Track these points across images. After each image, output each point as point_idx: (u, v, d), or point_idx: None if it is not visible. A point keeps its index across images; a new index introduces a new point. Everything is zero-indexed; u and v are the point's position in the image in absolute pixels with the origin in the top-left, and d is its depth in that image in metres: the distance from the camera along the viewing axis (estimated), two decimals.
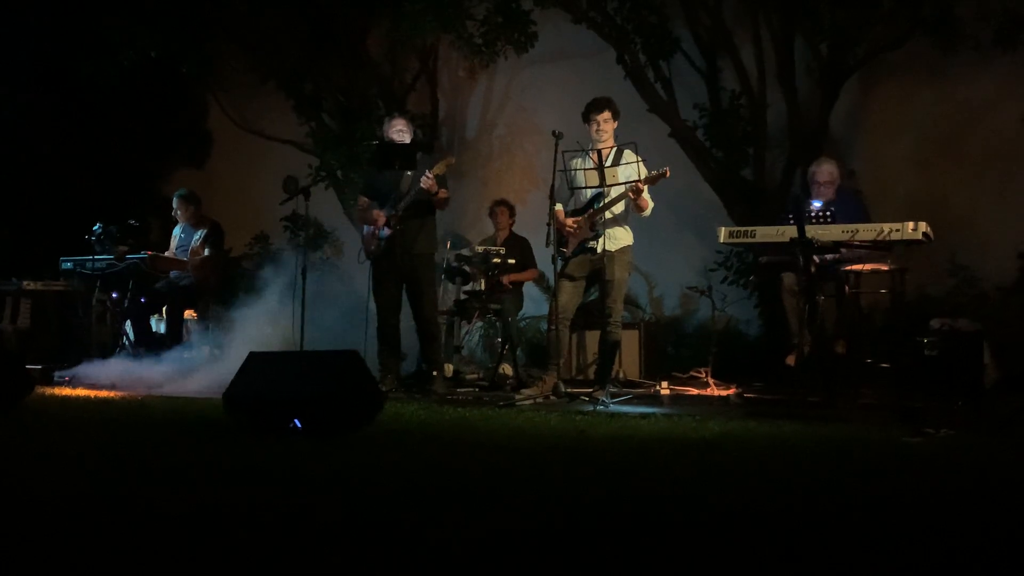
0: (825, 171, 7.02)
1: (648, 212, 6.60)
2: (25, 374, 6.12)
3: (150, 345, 8.08)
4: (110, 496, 3.15)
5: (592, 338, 7.86)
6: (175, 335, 8.22)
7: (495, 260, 8.25)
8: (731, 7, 8.80)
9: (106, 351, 8.08)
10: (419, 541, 2.53)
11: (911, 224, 6.05)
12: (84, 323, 8.27)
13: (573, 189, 6.71)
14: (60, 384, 7.49)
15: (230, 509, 2.94)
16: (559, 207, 6.76)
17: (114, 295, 8.26)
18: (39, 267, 8.90)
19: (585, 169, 6.64)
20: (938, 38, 7.86)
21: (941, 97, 8.47)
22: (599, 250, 6.52)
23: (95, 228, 8.28)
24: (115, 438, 4.64)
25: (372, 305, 7.45)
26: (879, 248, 6.28)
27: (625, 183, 6.54)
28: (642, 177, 6.45)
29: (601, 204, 6.61)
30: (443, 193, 7.06)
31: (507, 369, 8.03)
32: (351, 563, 2.34)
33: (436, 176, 6.89)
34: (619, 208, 6.67)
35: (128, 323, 8.29)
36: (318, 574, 2.25)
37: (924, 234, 6.08)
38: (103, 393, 6.78)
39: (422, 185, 6.85)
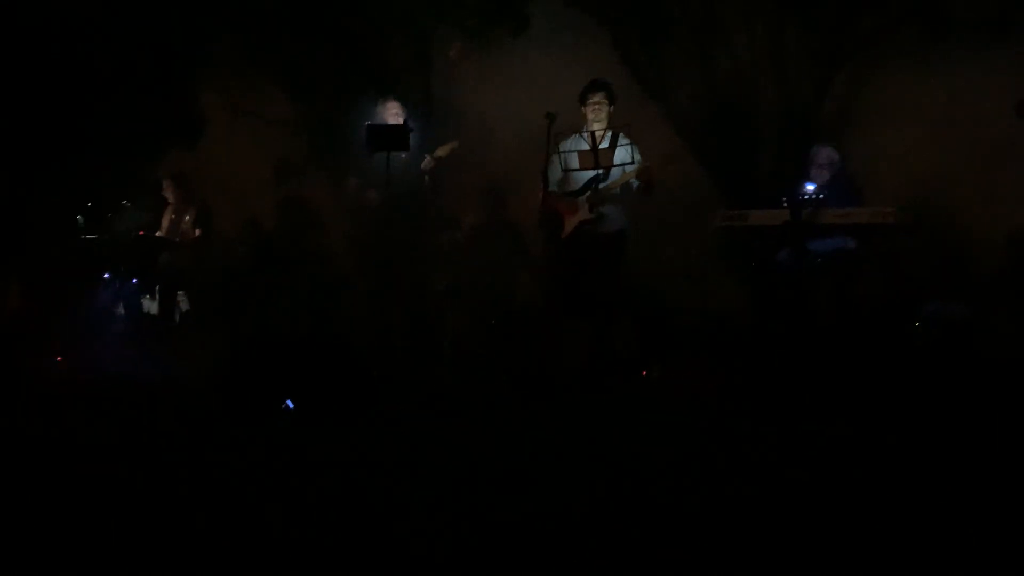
0: (824, 154, 7.06)
1: (651, 194, 6.64)
2: (16, 357, 6.11)
3: (142, 326, 8.06)
4: (104, 482, 3.15)
5: (587, 321, 7.83)
6: (167, 316, 8.20)
7: None
8: None
9: (97, 332, 8.04)
10: (412, 532, 2.52)
11: (903, 209, 6.09)
12: (77, 305, 8.22)
13: (566, 171, 6.71)
14: (53, 366, 7.46)
15: (227, 495, 2.94)
16: (552, 190, 6.76)
17: (106, 276, 8.22)
18: (31, 248, 8.83)
19: (579, 151, 6.63)
20: (930, 26, 7.87)
21: (933, 84, 8.47)
22: (596, 233, 6.53)
23: (87, 209, 8.25)
24: (108, 421, 4.63)
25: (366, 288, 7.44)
26: (872, 232, 6.32)
27: (622, 164, 6.56)
28: (639, 160, 6.48)
29: (603, 186, 6.61)
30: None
31: (500, 354, 8.03)
32: (343, 554, 2.33)
33: (436, 157, 6.92)
34: (616, 190, 6.68)
35: (120, 304, 8.27)
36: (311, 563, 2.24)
37: (916, 219, 6.12)
38: (93, 375, 6.77)
39: (422, 166, 6.87)
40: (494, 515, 2.57)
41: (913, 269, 7.56)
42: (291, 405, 4.69)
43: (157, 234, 8.55)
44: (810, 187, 6.44)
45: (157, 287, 8.38)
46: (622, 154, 6.60)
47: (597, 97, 6.69)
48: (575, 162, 6.64)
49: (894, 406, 5.00)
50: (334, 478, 3.22)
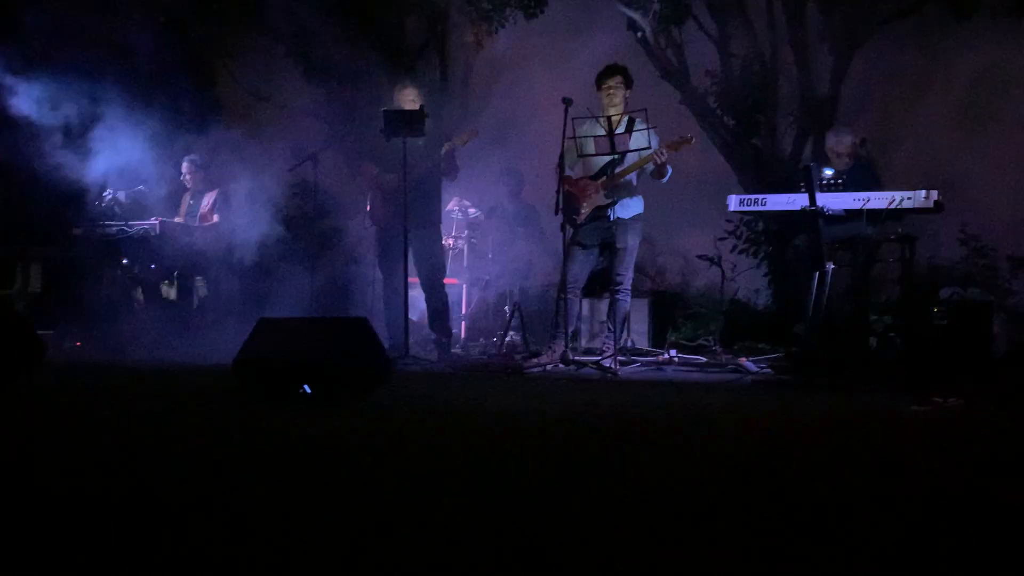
0: (845, 142, 6.99)
1: (666, 179, 6.59)
2: (36, 340, 6.14)
3: (161, 311, 8.11)
4: (118, 467, 3.17)
5: (603, 305, 7.86)
6: (185, 301, 8.25)
7: None
8: None
9: (117, 317, 8.10)
10: (420, 522, 2.53)
11: (924, 192, 6.03)
12: (95, 289, 8.29)
13: (582, 156, 6.69)
14: (71, 350, 7.54)
15: (239, 481, 2.96)
16: (568, 175, 6.75)
17: (124, 261, 8.27)
18: (50, 233, 8.90)
19: (595, 136, 6.61)
20: (952, 5, 7.80)
21: (955, 65, 8.41)
22: (612, 218, 6.53)
23: (105, 194, 8.30)
24: (123, 405, 4.67)
25: (379, 272, 7.45)
26: (891, 217, 6.27)
27: (638, 150, 6.53)
28: (655, 144, 6.43)
29: (617, 170, 6.60)
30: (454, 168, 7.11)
31: (514, 337, 8.06)
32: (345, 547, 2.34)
33: (454, 146, 6.91)
34: (632, 176, 6.66)
35: (139, 289, 8.33)
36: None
37: (936, 203, 6.06)
38: (113, 359, 6.82)
39: (441, 153, 6.86)
40: (500, 509, 2.58)
41: (930, 253, 7.53)
42: (308, 390, 4.70)
43: (176, 219, 8.58)
44: (828, 172, 6.41)
45: (175, 272, 8.43)
46: (638, 139, 6.57)
47: (613, 81, 6.66)
48: (591, 147, 6.62)
49: (910, 391, 4.98)
50: (343, 465, 3.23)
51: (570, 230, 6.70)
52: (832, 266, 6.16)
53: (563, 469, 3.13)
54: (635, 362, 6.84)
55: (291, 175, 8.74)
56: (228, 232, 8.64)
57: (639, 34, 8.72)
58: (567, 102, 6.47)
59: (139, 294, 8.33)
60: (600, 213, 6.64)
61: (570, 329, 6.91)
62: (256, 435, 3.79)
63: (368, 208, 7.35)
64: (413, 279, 7.32)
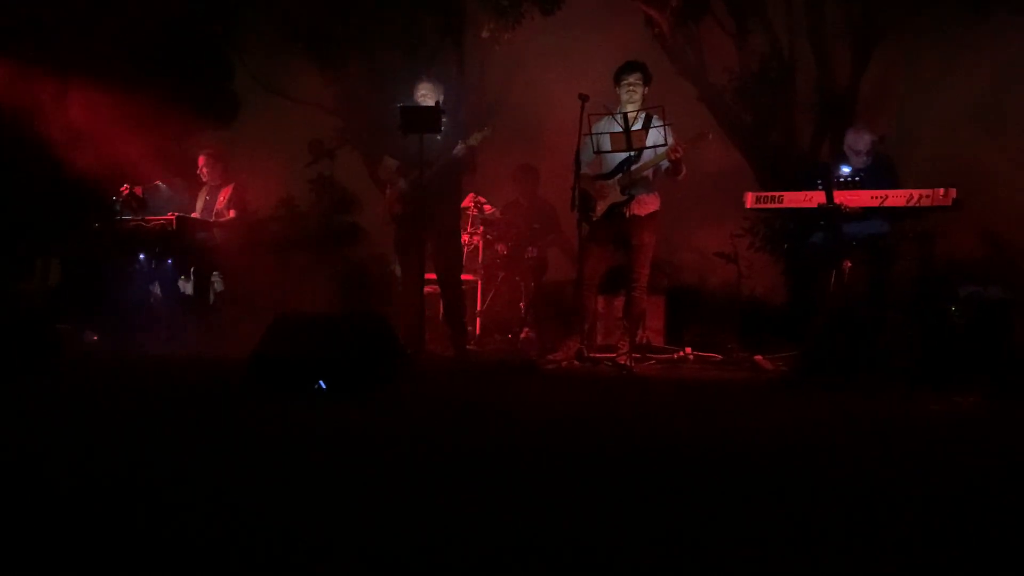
0: (865, 140, 6.95)
1: (681, 176, 6.56)
2: (53, 335, 6.18)
3: (177, 307, 8.14)
4: (133, 462, 3.18)
5: (618, 302, 7.83)
6: (202, 296, 8.27)
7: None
8: None
9: (133, 312, 8.13)
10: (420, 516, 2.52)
11: (942, 190, 6.00)
12: (112, 284, 8.32)
13: (599, 153, 6.66)
14: (88, 344, 7.56)
15: (254, 477, 2.96)
16: (584, 172, 6.72)
17: (141, 256, 8.30)
18: (68, 228, 8.93)
19: (612, 133, 6.58)
20: (972, 1, 7.74)
21: (974, 60, 8.34)
22: (628, 215, 6.50)
23: (122, 189, 8.33)
24: (138, 400, 4.69)
25: (397, 268, 7.46)
26: (909, 214, 6.24)
27: (654, 147, 6.50)
28: (671, 141, 6.40)
29: (634, 167, 6.56)
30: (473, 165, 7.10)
31: (530, 334, 8.05)
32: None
33: (469, 145, 6.88)
34: (648, 173, 6.63)
35: (156, 284, 8.35)
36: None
37: (955, 200, 6.02)
38: (130, 354, 6.85)
39: (455, 153, 6.84)
40: (508, 505, 2.57)
41: (949, 251, 7.47)
42: (323, 386, 4.72)
43: (192, 214, 8.60)
44: (845, 169, 6.37)
45: (192, 268, 8.45)
46: (655, 136, 6.54)
47: (631, 78, 6.62)
48: (607, 144, 6.59)
49: (928, 391, 4.95)
50: (355, 461, 3.24)
51: (586, 227, 6.68)
52: (849, 264, 6.15)
53: (572, 467, 3.13)
54: (650, 359, 6.82)
55: (308, 170, 8.74)
56: (244, 227, 8.66)
57: (656, 30, 8.68)
58: (583, 98, 6.44)
59: (156, 289, 8.35)
60: (616, 210, 6.61)
61: (585, 326, 6.89)
62: (270, 430, 3.80)
63: (387, 203, 7.35)
64: (430, 275, 7.33)
